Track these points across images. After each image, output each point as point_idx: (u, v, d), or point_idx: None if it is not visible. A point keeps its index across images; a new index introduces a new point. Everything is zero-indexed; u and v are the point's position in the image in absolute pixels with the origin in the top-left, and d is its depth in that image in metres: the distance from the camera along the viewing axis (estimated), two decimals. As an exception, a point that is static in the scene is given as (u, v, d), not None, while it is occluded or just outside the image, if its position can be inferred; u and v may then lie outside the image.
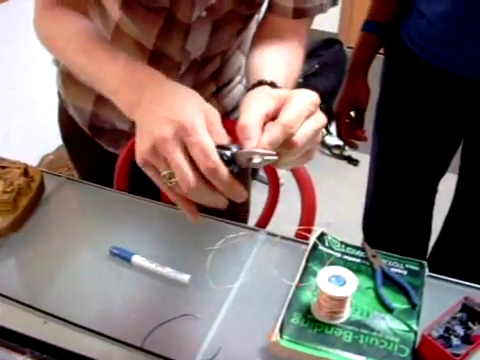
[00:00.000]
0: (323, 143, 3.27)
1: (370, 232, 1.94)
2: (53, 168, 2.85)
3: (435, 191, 1.83)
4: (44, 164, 2.87)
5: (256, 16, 1.24)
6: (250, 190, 1.58)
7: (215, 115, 0.78)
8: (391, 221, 1.86)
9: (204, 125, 0.74)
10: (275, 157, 0.76)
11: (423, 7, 1.49)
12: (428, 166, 1.74)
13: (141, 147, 0.77)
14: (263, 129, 0.77)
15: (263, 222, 1.47)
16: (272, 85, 0.90)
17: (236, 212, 1.53)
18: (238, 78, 1.40)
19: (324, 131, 3.25)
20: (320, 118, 0.80)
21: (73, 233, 1.18)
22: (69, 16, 1.00)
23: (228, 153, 0.74)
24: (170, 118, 0.74)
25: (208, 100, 1.28)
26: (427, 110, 1.60)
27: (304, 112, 0.77)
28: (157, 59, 1.19)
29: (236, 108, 1.40)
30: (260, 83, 0.91)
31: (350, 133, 1.68)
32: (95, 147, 1.42)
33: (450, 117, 1.60)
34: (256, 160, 0.74)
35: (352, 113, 1.67)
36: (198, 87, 1.25)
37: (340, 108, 1.68)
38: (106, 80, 0.89)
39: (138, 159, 0.78)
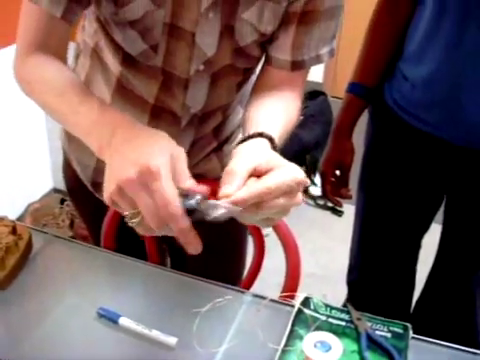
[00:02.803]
0: (307, 194, 3.30)
1: (354, 288, 1.96)
2: (38, 216, 2.86)
3: (419, 247, 1.86)
4: (29, 212, 2.87)
5: (255, 70, 1.27)
6: (246, 242, 1.59)
7: (183, 159, 0.83)
8: (375, 278, 1.88)
9: (169, 170, 0.78)
10: (239, 209, 0.79)
11: (407, 70, 1.54)
12: (412, 223, 1.77)
13: (108, 187, 0.81)
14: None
15: (248, 282, 1.48)
16: (271, 140, 0.95)
17: (233, 265, 1.56)
18: (240, 136, 1.41)
19: (308, 182, 3.28)
20: (295, 201, 0.83)
21: (60, 292, 1.18)
22: (47, 62, 1.03)
23: (192, 202, 0.78)
24: (137, 161, 0.78)
25: (208, 156, 1.33)
26: (410, 170, 1.63)
27: (285, 187, 0.81)
28: (158, 113, 1.21)
29: None
30: (260, 135, 0.95)
31: (335, 191, 1.71)
32: (98, 202, 1.44)
33: (433, 176, 1.63)
34: (220, 211, 0.77)
35: (337, 172, 1.70)
36: (199, 142, 1.29)
37: (325, 168, 1.71)
38: (80, 123, 0.94)
39: (106, 198, 0.82)
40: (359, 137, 1.74)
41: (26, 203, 2.94)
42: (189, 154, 1.26)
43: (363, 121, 1.73)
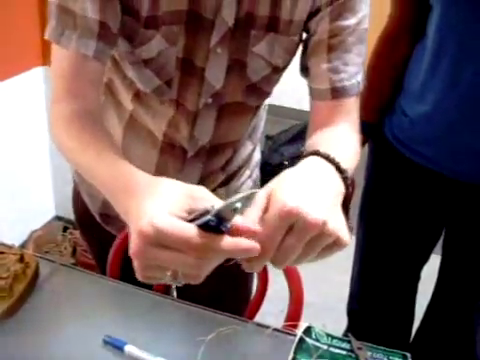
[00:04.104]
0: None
1: (355, 318, 1.98)
2: (41, 243, 2.87)
3: (418, 278, 1.88)
4: (33, 239, 2.89)
5: (264, 105, 1.28)
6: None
7: (200, 190, 0.78)
8: (375, 308, 1.90)
9: (177, 225, 0.71)
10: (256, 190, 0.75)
11: (407, 107, 1.58)
12: (411, 255, 1.79)
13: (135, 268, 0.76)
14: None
15: (252, 312, 1.50)
16: (327, 158, 0.88)
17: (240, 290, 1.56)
18: (247, 172, 1.43)
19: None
20: (319, 242, 0.76)
21: (67, 320, 1.20)
22: (74, 111, 1.02)
23: (211, 217, 0.71)
24: (136, 228, 0.73)
25: (216, 191, 1.33)
26: (410, 203, 1.66)
27: (277, 223, 0.74)
28: (167, 148, 1.25)
29: None
30: (315, 153, 0.89)
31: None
32: (105, 232, 1.46)
33: (432, 209, 1.66)
34: (237, 205, 0.70)
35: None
36: (207, 178, 1.30)
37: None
38: (97, 179, 0.92)
39: (141, 279, 0.78)
40: (360, 170, 1.77)
41: (29, 230, 2.96)
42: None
43: (363, 153, 1.76)
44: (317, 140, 1.06)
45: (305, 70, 1.16)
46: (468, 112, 1.46)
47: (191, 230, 0.70)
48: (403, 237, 1.74)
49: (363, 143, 1.70)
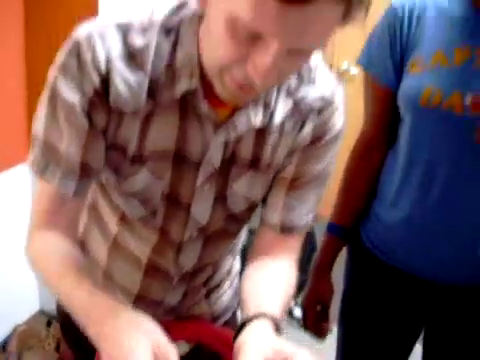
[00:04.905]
0: (291, 315, 3.34)
1: None
2: (25, 338, 2.85)
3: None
4: (16, 334, 2.87)
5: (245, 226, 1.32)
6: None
7: (165, 344, 0.89)
8: None
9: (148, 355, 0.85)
10: None
11: (381, 212, 1.64)
12: (390, 354, 1.81)
13: None
14: None
15: None
16: (274, 321, 0.99)
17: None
18: (228, 283, 1.45)
19: (292, 302, 3.33)
20: None
21: None
22: (51, 241, 1.09)
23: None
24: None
25: (198, 304, 1.36)
26: (388, 306, 1.70)
27: None
28: (152, 272, 1.26)
29: (225, 312, 1.48)
30: (263, 315, 1.00)
31: (316, 325, 1.77)
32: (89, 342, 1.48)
33: (411, 312, 1.69)
34: None
35: (318, 307, 1.77)
36: (190, 293, 1.32)
37: (306, 304, 1.78)
38: (74, 305, 1.00)
39: None
40: (339, 271, 1.82)
41: (13, 324, 2.94)
42: (180, 304, 1.32)
43: (342, 255, 1.81)
44: (256, 277, 1.15)
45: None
46: (442, 217, 1.51)
47: None
48: (382, 336, 1.76)
49: (341, 248, 1.75)
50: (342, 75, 4.16)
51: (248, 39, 0.84)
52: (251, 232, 3.21)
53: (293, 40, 0.83)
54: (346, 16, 0.83)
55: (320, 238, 1.85)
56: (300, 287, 1.80)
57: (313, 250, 3.25)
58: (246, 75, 0.88)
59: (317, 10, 0.79)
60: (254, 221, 1.26)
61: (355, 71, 3.73)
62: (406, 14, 1.50)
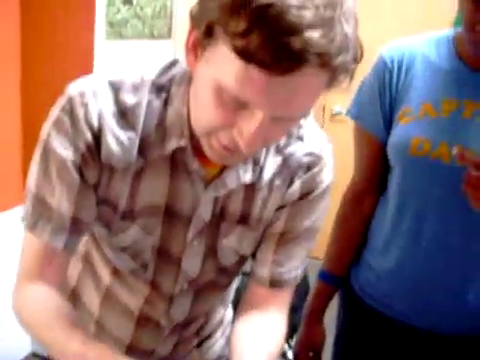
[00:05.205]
0: (285, 358, 3.31)
1: None
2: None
3: None
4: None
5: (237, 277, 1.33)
6: None
7: None
8: None
9: None
10: None
11: (372, 261, 1.64)
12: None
13: None
14: None
15: None
16: None
17: None
18: (219, 332, 1.45)
19: (286, 345, 3.31)
20: None
21: None
22: (40, 294, 1.08)
23: None
24: None
25: (191, 353, 1.36)
26: (380, 354, 1.69)
27: None
28: (143, 323, 1.26)
29: None
30: None
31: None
32: None
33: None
34: None
35: (310, 353, 1.77)
36: (181, 344, 1.32)
37: (298, 350, 1.77)
38: (68, 358, 1.00)
39: None
40: (331, 317, 1.82)
41: (5, 366, 2.93)
42: (171, 354, 1.32)
43: (334, 302, 1.81)
44: (244, 333, 1.14)
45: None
46: (432, 266, 1.52)
47: None
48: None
49: (333, 295, 1.76)
50: (334, 117, 4.20)
51: (234, 106, 0.87)
52: (245, 274, 3.21)
53: (279, 109, 0.85)
54: (331, 82, 0.86)
55: (313, 276, 1.86)
56: (294, 328, 1.80)
57: (307, 291, 3.25)
58: (232, 139, 0.90)
59: (302, 80, 0.81)
60: (248, 263, 1.26)
61: (347, 113, 3.76)
62: (395, 66, 1.54)
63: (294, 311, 3.60)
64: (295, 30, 0.77)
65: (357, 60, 0.86)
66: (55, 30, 2.32)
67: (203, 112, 0.92)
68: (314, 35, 0.78)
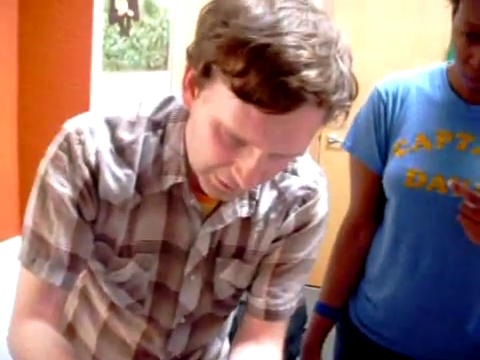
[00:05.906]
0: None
1: None
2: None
3: None
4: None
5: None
6: None
7: None
8: None
9: None
10: None
11: (369, 292, 1.64)
12: None
13: None
14: None
15: None
16: None
17: None
18: None
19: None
20: None
21: None
22: (37, 332, 1.06)
23: None
24: None
25: None
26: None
27: None
28: (141, 357, 1.26)
29: None
30: None
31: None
32: None
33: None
34: None
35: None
36: None
37: (298, 382, 1.76)
38: None
39: None
40: (328, 348, 1.81)
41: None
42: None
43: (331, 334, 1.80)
44: None
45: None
46: (429, 296, 1.53)
47: None
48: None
49: (330, 327, 1.75)
50: (330, 145, 4.22)
51: (233, 144, 0.88)
52: (241, 303, 3.20)
53: (277, 147, 0.86)
54: (327, 118, 0.87)
55: (311, 304, 1.85)
56: (293, 358, 1.79)
57: (304, 320, 3.23)
58: (230, 176, 0.91)
59: (299, 118, 0.82)
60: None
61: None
62: (390, 98, 1.55)
63: (292, 340, 3.58)
64: (292, 69, 0.79)
65: (353, 97, 0.88)
66: (52, 62, 2.33)
67: (201, 149, 0.92)
68: (311, 74, 0.79)
